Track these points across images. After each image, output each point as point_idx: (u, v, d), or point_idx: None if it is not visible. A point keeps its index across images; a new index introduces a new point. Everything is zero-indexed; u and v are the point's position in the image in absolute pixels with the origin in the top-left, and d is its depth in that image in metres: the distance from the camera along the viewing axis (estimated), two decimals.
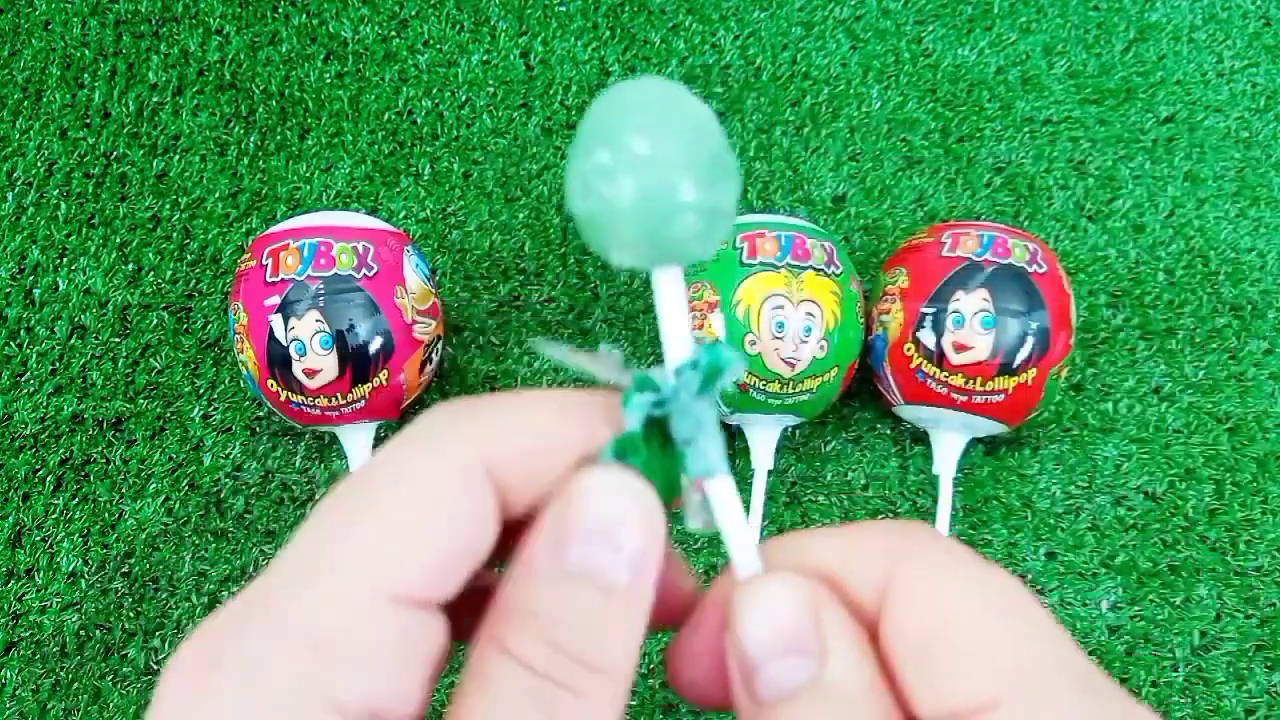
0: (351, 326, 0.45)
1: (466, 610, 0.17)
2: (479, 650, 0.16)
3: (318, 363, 0.45)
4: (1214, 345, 0.55)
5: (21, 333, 0.55)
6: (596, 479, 0.17)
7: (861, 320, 0.49)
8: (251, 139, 0.59)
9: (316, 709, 0.14)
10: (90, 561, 0.51)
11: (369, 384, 0.46)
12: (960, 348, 0.46)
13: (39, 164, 0.59)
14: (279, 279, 0.45)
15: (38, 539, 0.51)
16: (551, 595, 0.16)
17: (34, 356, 0.55)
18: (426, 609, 0.16)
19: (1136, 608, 0.50)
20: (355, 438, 0.49)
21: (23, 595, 0.50)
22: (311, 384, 0.46)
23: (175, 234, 0.57)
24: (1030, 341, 0.46)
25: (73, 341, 0.55)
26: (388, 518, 0.16)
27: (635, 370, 0.17)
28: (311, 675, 0.14)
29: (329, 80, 0.61)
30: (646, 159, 0.15)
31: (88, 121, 0.60)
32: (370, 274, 0.46)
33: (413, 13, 0.63)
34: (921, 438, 0.53)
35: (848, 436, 0.53)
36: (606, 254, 0.17)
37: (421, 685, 0.16)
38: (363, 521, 0.16)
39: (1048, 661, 0.15)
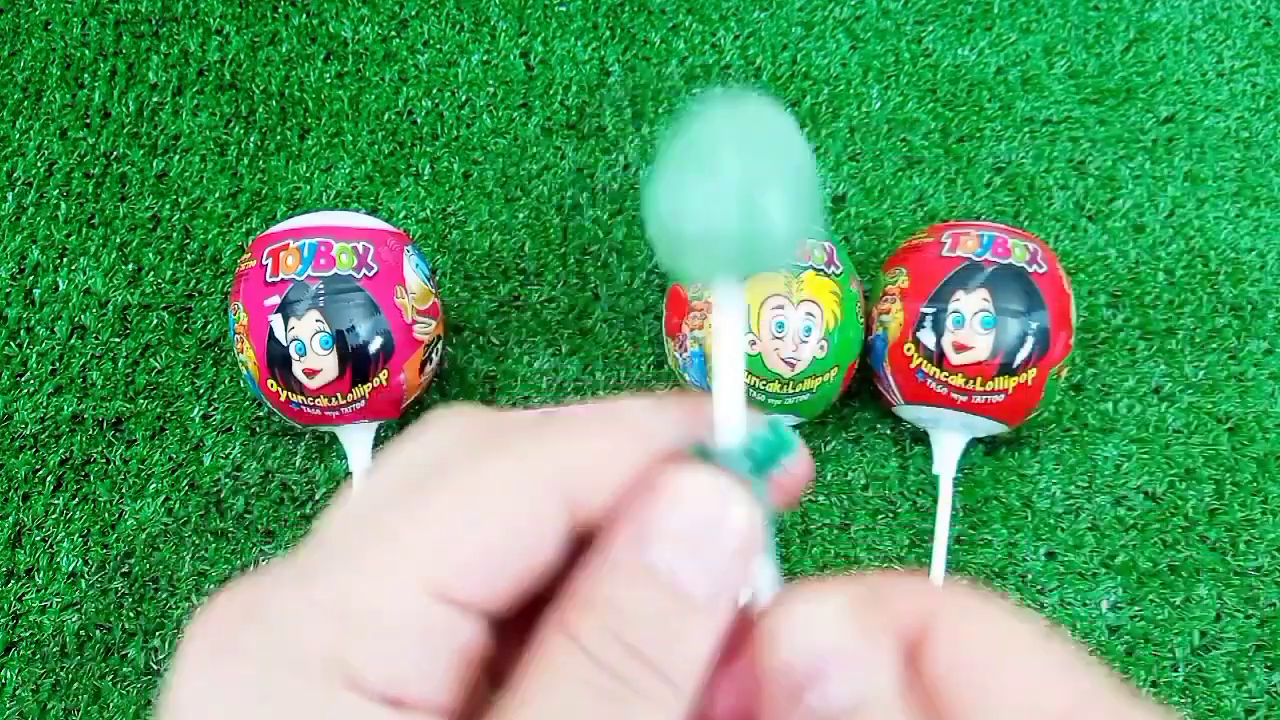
0: (351, 326, 0.45)
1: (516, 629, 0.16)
2: (545, 634, 0.15)
3: (318, 363, 0.45)
4: (1214, 345, 0.55)
5: (21, 333, 0.55)
6: (696, 479, 0.16)
7: (861, 320, 0.49)
8: (251, 139, 0.59)
9: (335, 681, 0.14)
10: (90, 561, 0.51)
11: (369, 384, 0.46)
12: (960, 348, 0.46)
13: (39, 164, 0.59)
14: (279, 279, 0.45)
15: (38, 539, 0.51)
16: (626, 591, 0.15)
17: (34, 356, 0.55)
18: (467, 611, 0.15)
19: (1136, 608, 0.50)
20: (355, 438, 0.49)
21: (23, 595, 0.50)
22: (311, 384, 0.46)
23: (175, 234, 0.57)
24: (1030, 341, 0.46)
25: (73, 341, 0.55)
26: (450, 513, 0.15)
27: (694, 443, 0.17)
28: (336, 647, 0.14)
29: (329, 80, 0.61)
30: (758, 183, 0.16)
31: (88, 121, 0.60)
32: (370, 274, 0.46)
33: (413, 13, 0.63)
34: (921, 438, 0.53)
35: (848, 436, 0.53)
36: (690, 272, 0.17)
37: (449, 683, 0.15)
38: (424, 509, 0.15)
39: (1099, 692, 0.15)
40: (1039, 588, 0.50)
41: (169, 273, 0.56)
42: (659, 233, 0.17)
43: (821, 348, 0.46)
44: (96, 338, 0.55)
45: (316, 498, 0.52)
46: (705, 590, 0.15)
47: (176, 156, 0.59)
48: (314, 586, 0.14)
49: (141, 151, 0.59)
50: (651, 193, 0.17)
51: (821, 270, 0.47)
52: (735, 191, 0.16)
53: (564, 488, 0.16)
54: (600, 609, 0.15)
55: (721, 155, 0.16)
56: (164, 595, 0.50)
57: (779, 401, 0.47)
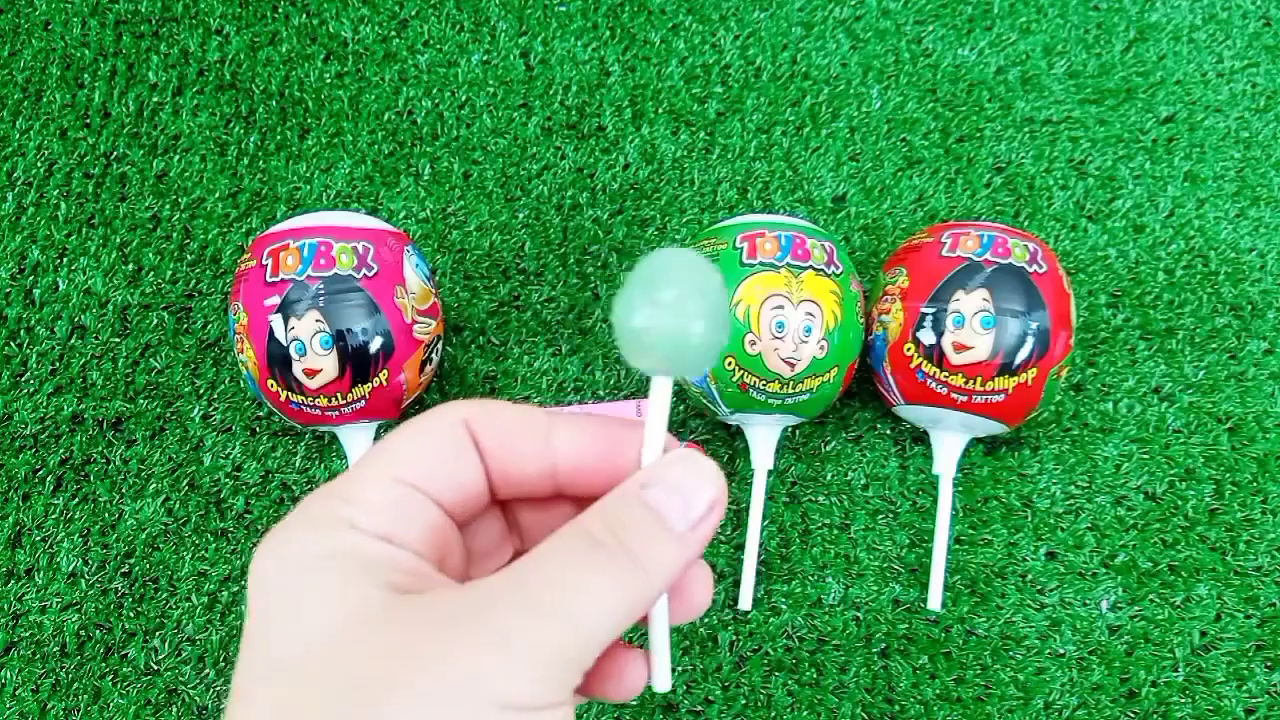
0: (351, 327, 0.45)
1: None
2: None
3: (318, 363, 0.45)
4: (1214, 345, 0.55)
5: (21, 333, 0.55)
6: (692, 454, 0.23)
7: (861, 320, 0.49)
8: (251, 139, 0.59)
9: (341, 527, 0.22)
10: (90, 561, 0.51)
11: (369, 384, 0.46)
12: (960, 348, 0.46)
13: (39, 164, 0.59)
14: (279, 279, 0.45)
15: (38, 539, 0.51)
16: (624, 505, 0.22)
17: (34, 356, 0.55)
18: (426, 495, 0.23)
19: (1136, 608, 0.50)
20: (355, 438, 0.49)
21: (23, 595, 0.50)
22: (311, 384, 0.46)
23: (175, 234, 0.57)
24: (1030, 341, 0.46)
25: (73, 341, 0.55)
26: (396, 442, 0.23)
27: None
28: (337, 511, 0.22)
29: (329, 80, 0.61)
30: (687, 312, 0.23)
31: (88, 121, 0.60)
32: (370, 274, 0.46)
33: (413, 13, 0.63)
34: (921, 438, 0.53)
35: (848, 436, 0.53)
36: (639, 363, 0.24)
37: (421, 537, 0.22)
38: (381, 446, 0.24)
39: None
40: (1039, 588, 0.50)
41: (169, 273, 0.56)
42: (619, 334, 0.23)
43: (821, 348, 0.46)
44: (96, 338, 0.55)
45: None
46: (681, 525, 0.22)
47: (176, 156, 0.59)
48: (332, 488, 0.23)
49: (141, 151, 0.59)
50: (615, 305, 0.23)
51: (821, 270, 0.47)
52: (669, 312, 0.23)
53: (467, 426, 0.24)
54: (601, 510, 0.22)
55: (661, 286, 0.23)
56: (164, 595, 0.50)
57: (779, 401, 0.47)
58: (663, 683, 0.25)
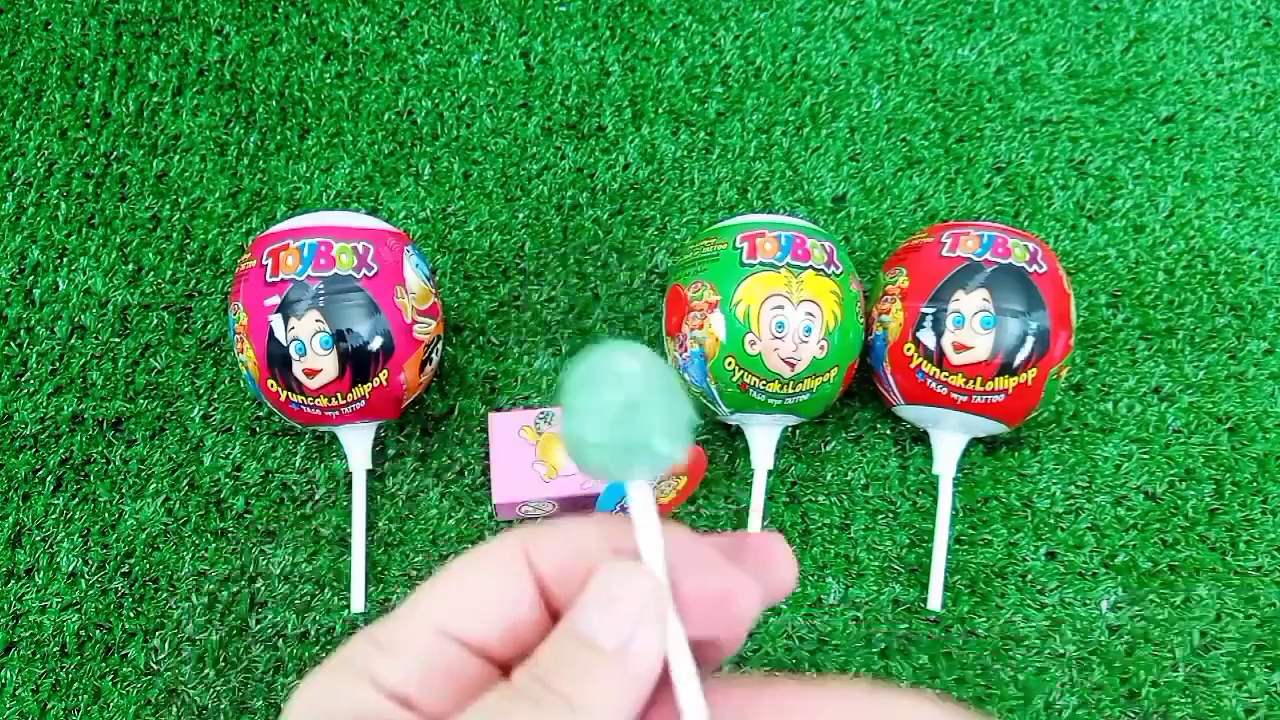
0: (351, 327, 0.45)
1: None
2: None
3: (318, 363, 0.45)
4: (1214, 345, 0.55)
5: (21, 333, 0.55)
6: (610, 563, 0.21)
7: (861, 320, 0.49)
8: (251, 139, 0.59)
9: (355, 679, 0.20)
10: (90, 561, 0.51)
11: (369, 384, 0.46)
12: (960, 348, 0.46)
13: (39, 164, 0.59)
14: (279, 279, 0.45)
15: (38, 539, 0.51)
16: (552, 644, 0.20)
17: (34, 356, 0.55)
18: (465, 646, 0.21)
19: (1136, 608, 0.50)
20: (355, 437, 0.49)
21: (23, 595, 0.50)
22: (311, 384, 0.46)
23: (175, 234, 0.57)
24: (1030, 341, 0.46)
25: (73, 341, 0.55)
26: (446, 581, 0.21)
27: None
28: (361, 659, 0.20)
29: (329, 80, 0.61)
30: (642, 424, 0.21)
31: (88, 121, 0.60)
32: (370, 274, 0.46)
33: (413, 13, 0.63)
34: (921, 438, 0.53)
35: (848, 436, 0.53)
36: (600, 476, 0.22)
37: (445, 698, 0.20)
38: (433, 584, 0.21)
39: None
40: (1039, 588, 0.50)
41: (169, 273, 0.56)
42: (570, 449, 0.21)
43: (821, 348, 0.46)
44: (96, 338, 0.55)
45: (316, 498, 0.52)
46: (613, 642, 0.19)
47: (176, 156, 0.59)
48: (375, 629, 0.21)
49: (141, 151, 0.59)
50: (564, 417, 0.21)
51: (821, 270, 0.47)
52: (618, 414, 0.21)
53: (526, 553, 0.21)
54: (531, 657, 0.20)
55: (606, 386, 0.21)
56: (164, 595, 0.50)
57: (779, 401, 0.47)
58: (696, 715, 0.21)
